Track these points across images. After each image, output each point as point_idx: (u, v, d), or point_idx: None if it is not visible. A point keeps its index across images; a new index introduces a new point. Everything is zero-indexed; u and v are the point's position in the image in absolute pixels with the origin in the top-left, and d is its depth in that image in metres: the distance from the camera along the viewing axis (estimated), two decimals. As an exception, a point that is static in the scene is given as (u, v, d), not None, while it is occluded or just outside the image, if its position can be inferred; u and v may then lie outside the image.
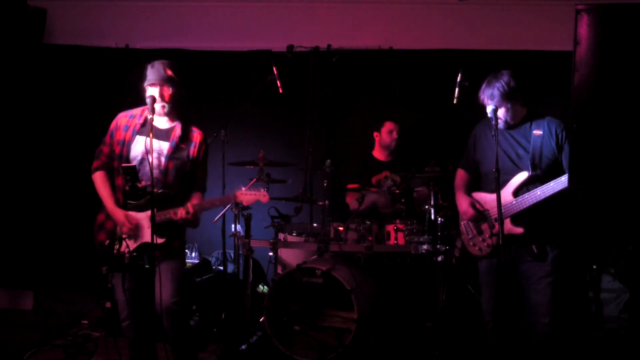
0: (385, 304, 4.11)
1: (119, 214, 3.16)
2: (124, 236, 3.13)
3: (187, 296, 3.36)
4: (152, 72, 3.20)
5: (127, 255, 3.04)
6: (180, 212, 3.11)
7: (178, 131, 3.26)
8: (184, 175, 3.26)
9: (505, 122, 3.17)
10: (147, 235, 3.11)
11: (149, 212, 3.01)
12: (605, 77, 2.07)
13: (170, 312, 3.16)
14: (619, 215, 4.42)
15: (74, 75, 5.36)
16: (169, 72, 3.20)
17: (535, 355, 3.17)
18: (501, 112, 3.13)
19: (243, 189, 3.24)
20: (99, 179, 3.27)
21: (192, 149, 3.28)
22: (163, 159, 3.20)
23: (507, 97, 3.09)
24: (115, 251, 3.11)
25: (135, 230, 3.14)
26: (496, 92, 3.09)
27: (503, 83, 3.10)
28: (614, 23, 2.05)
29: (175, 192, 3.21)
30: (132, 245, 3.15)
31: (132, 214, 3.16)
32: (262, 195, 3.24)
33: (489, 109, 3.06)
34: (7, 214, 5.24)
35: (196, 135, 3.32)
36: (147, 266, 3.06)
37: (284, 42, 4.75)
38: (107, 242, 3.17)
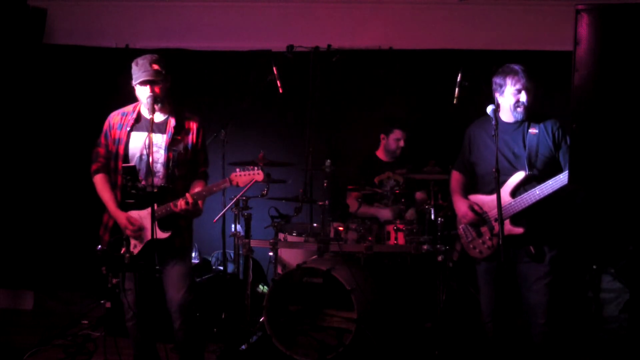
0: (385, 304, 4.11)
1: (121, 217, 3.15)
2: (130, 237, 3.13)
3: (196, 295, 3.37)
4: (139, 70, 3.13)
5: (127, 255, 3.04)
6: (180, 203, 3.09)
7: (173, 122, 3.23)
8: (186, 165, 3.24)
9: (525, 108, 3.11)
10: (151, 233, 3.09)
11: (149, 209, 3.00)
12: (605, 77, 2.07)
13: (181, 309, 3.18)
14: (619, 214, 4.42)
15: (74, 76, 5.35)
16: (155, 67, 3.12)
17: (534, 355, 3.17)
18: (523, 96, 3.09)
19: (238, 170, 3.18)
20: (99, 182, 3.26)
21: (189, 137, 3.25)
22: (163, 152, 3.19)
23: (530, 79, 3.08)
24: (122, 252, 3.09)
25: (139, 232, 3.13)
26: (522, 73, 3.07)
27: (522, 68, 3.08)
28: (614, 23, 2.05)
29: (180, 183, 3.20)
30: (139, 245, 3.15)
31: (134, 214, 3.15)
32: (256, 174, 3.16)
33: (489, 109, 3.02)
34: (7, 213, 5.23)
35: (192, 122, 3.29)
36: (157, 267, 3.07)
37: (284, 42, 4.75)
38: (113, 240, 3.16)
